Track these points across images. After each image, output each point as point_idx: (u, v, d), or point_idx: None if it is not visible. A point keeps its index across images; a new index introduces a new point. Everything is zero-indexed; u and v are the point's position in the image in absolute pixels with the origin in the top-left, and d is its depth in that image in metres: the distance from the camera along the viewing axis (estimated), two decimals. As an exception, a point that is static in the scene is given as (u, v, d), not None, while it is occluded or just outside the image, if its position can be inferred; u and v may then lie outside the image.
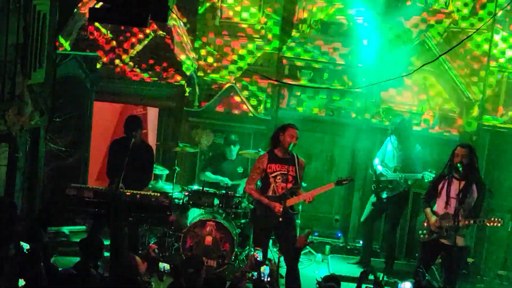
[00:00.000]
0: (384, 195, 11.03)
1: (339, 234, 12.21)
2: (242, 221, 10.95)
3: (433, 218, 9.39)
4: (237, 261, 10.46)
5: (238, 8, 12.49)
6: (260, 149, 11.39)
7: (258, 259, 8.64)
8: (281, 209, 9.29)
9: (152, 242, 10.80)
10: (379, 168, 11.05)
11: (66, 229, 11.50)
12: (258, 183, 9.69)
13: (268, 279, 8.16)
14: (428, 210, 9.53)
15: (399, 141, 10.98)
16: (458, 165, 9.26)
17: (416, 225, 10.68)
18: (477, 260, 11.36)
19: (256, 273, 7.92)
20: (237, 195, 10.92)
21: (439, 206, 9.44)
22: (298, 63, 12.33)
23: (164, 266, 7.82)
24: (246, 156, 11.64)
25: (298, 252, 9.09)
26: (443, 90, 12.07)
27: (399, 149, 10.98)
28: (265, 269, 8.20)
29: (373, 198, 11.23)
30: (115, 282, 7.05)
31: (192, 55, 12.58)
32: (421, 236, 9.54)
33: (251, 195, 9.70)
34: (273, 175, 9.42)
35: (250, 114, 12.42)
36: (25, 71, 9.57)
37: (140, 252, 9.88)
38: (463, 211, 9.17)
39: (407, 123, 11.18)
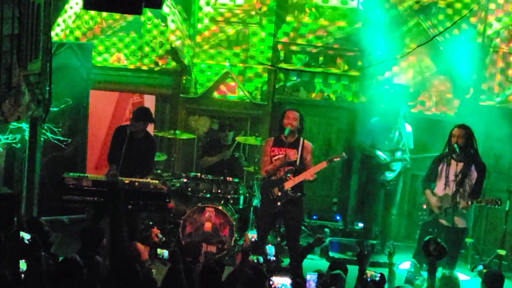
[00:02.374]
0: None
1: (338, 217, 12.25)
2: (241, 206, 10.99)
3: (434, 199, 9.43)
4: (236, 247, 10.50)
5: (232, -6, 12.49)
6: (257, 134, 11.42)
7: (253, 239, 8.69)
8: (279, 194, 9.32)
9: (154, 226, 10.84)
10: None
11: (65, 218, 11.54)
12: None
13: (273, 259, 8.20)
14: (428, 191, 9.58)
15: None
16: (455, 145, 9.29)
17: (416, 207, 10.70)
18: (475, 240, 11.41)
19: (261, 257, 7.94)
20: (235, 180, 10.93)
21: (438, 187, 9.49)
22: (293, 48, 12.32)
23: (162, 252, 7.85)
24: (243, 141, 11.65)
25: (305, 253, 9.17)
26: (439, 72, 12.07)
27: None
28: (269, 249, 8.24)
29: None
30: (115, 271, 7.06)
31: (188, 42, 12.58)
32: (421, 217, 9.59)
33: (268, 172, 9.64)
34: (275, 158, 9.47)
35: (247, 100, 12.43)
36: (21, 62, 9.56)
37: (144, 235, 9.94)
38: (463, 192, 9.21)
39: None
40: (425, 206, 9.55)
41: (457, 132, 9.33)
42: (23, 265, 6.83)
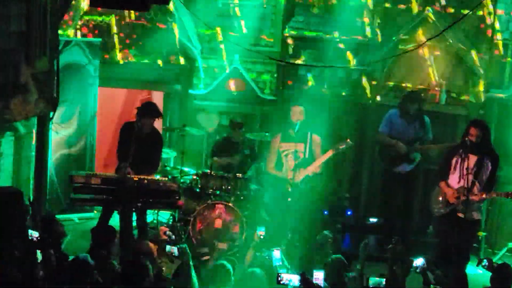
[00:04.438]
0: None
1: (349, 212, 12.16)
2: (251, 202, 10.93)
3: (450, 191, 9.39)
4: (247, 243, 10.44)
5: (240, -11, 12.45)
6: (267, 132, 11.36)
7: (261, 236, 8.65)
8: (289, 189, 9.28)
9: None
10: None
11: (75, 217, 11.53)
12: None
13: (280, 263, 8.16)
14: (443, 183, 9.53)
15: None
16: (469, 141, 9.27)
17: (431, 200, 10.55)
18: (488, 233, 11.35)
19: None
20: (246, 177, 10.87)
21: (453, 180, 9.44)
22: (303, 42, 12.24)
23: (172, 249, 7.82)
24: (253, 137, 11.58)
25: None
26: (449, 65, 11.99)
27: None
28: (277, 253, 8.20)
29: None
30: (126, 269, 7.02)
31: (196, 37, 12.52)
32: (436, 210, 9.54)
33: (274, 176, 9.62)
34: (284, 153, 9.46)
35: (256, 96, 12.37)
36: (29, 60, 9.54)
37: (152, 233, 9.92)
38: (479, 185, 9.20)
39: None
40: (440, 198, 9.47)
41: (474, 132, 9.28)
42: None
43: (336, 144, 9.61)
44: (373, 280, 7.31)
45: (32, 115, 10.03)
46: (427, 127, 10.99)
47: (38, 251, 7.05)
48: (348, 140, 9.62)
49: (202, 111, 12.48)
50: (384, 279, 7.35)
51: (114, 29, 12.53)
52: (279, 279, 7.05)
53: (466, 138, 9.26)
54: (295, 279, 7.06)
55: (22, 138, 10.47)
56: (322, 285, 7.23)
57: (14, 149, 10.32)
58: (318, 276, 7.26)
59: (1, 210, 7.54)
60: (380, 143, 11.25)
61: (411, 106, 10.88)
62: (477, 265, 9.11)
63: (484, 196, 9.18)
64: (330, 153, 9.38)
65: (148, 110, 9.98)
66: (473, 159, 9.27)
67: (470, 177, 9.17)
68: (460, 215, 9.32)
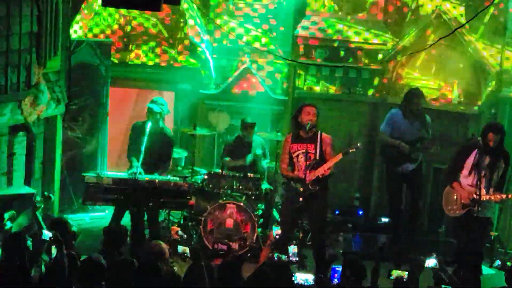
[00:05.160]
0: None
1: (360, 212, 12.14)
2: (263, 202, 10.92)
3: (464, 192, 9.36)
4: (259, 243, 10.43)
5: (251, -12, 12.45)
6: (278, 130, 11.35)
7: (277, 236, 8.63)
8: (301, 189, 9.24)
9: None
10: None
11: (87, 216, 11.54)
12: None
13: (296, 259, 8.14)
14: (456, 184, 9.50)
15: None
16: (484, 143, 9.27)
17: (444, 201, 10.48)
18: (500, 233, 11.30)
19: (284, 256, 7.89)
20: (257, 176, 10.86)
21: (466, 180, 9.41)
22: (313, 42, 12.21)
23: (183, 249, 7.81)
24: (264, 137, 11.57)
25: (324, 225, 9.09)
26: (461, 64, 11.95)
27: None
28: (292, 248, 8.19)
29: None
30: (139, 269, 7.02)
31: (207, 37, 12.53)
32: (451, 211, 9.51)
33: (287, 176, 9.58)
34: (295, 154, 9.38)
35: (267, 95, 12.37)
36: (40, 60, 9.57)
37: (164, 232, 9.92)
38: (493, 184, 9.18)
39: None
40: (455, 199, 9.44)
41: (492, 137, 9.27)
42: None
43: (346, 147, 9.58)
44: (395, 273, 7.33)
45: (43, 115, 10.05)
46: (428, 126, 10.97)
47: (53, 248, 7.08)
48: (359, 144, 9.58)
49: (213, 111, 12.47)
50: (407, 273, 7.34)
51: (125, 29, 12.56)
52: (294, 279, 7.04)
53: (484, 142, 9.25)
54: (310, 278, 7.06)
55: (34, 138, 10.49)
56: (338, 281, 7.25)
57: (26, 149, 10.35)
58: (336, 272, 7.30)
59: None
60: (382, 143, 11.23)
61: (417, 101, 10.84)
62: (491, 266, 9.10)
63: (499, 197, 9.17)
64: (339, 157, 9.34)
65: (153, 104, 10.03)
66: (487, 158, 9.27)
67: (485, 178, 9.16)
68: (476, 215, 9.30)
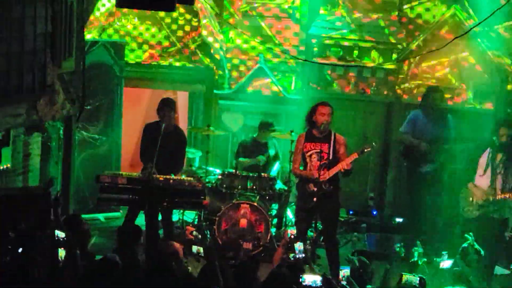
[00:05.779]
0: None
1: (375, 212, 12.12)
2: (277, 202, 10.91)
3: (480, 192, 9.32)
4: (273, 243, 10.43)
5: (265, -12, 12.45)
6: (292, 130, 11.34)
7: (292, 237, 8.61)
8: (315, 189, 9.23)
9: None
10: None
11: (101, 216, 11.58)
12: None
13: (302, 256, 8.12)
14: (471, 184, 9.46)
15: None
16: (497, 140, 9.22)
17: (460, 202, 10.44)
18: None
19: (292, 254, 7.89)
20: (271, 176, 10.86)
21: (481, 180, 9.37)
22: (327, 41, 12.19)
23: (197, 249, 7.81)
24: (278, 137, 11.56)
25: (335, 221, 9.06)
26: (476, 63, 11.91)
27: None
28: (298, 245, 8.17)
29: None
30: (153, 269, 7.03)
31: (220, 37, 12.53)
32: (468, 212, 9.47)
33: (299, 175, 9.57)
34: (308, 154, 9.37)
35: (281, 95, 12.36)
36: (55, 60, 9.59)
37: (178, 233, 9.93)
38: (508, 183, 9.16)
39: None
40: (471, 200, 9.40)
41: (504, 132, 9.24)
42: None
43: (361, 147, 9.55)
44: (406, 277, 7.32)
45: (58, 115, 10.07)
46: (450, 126, 10.91)
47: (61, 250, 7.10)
48: (374, 143, 9.54)
49: (227, 111, 12.48)
50: (418, 278, 7.32)
51: (139, 30, 12.60)
52: (302, 280, 7.03)
53: (494, 138, 9.21)
54: (318, 279, 7.07)
55: (49, 138, 10.54)
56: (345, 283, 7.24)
57: (42, 149, 10.39)
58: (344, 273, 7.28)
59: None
60: (404, 143, 11.18)
61: (435, 95, 10.79)
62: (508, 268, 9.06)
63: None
64: (354, 156, 9.31)
65: (164, 104, 10.02)
66: (499, 156, 9.23)
67: (499, 176, 9.12)
68: (492, 215, 9.27)
